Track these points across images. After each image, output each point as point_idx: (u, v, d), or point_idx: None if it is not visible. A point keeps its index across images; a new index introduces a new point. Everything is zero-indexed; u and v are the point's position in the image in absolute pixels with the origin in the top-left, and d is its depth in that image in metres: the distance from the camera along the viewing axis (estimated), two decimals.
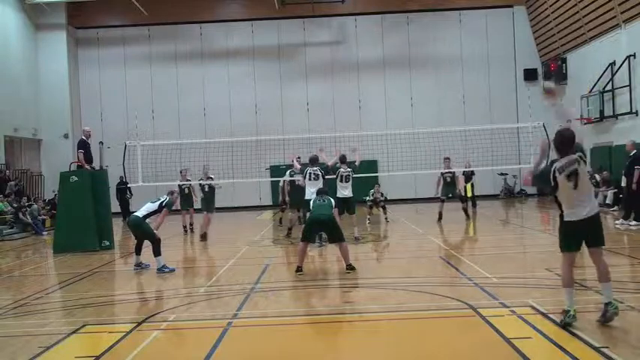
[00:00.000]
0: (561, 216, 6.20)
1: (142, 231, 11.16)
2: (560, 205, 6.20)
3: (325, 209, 10.20)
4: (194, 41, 28.99)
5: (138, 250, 11.35)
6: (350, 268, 9.93)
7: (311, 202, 10.68)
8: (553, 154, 6.26)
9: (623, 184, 15.45)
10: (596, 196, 20.63)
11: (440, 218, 17.48)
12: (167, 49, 29.00)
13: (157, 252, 10.91)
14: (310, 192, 12.61)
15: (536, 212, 22.52)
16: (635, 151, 14.75)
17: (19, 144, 26.41)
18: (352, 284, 9.19)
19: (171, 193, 11.61)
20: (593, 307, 6.98)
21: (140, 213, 11.18)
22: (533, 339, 5.95)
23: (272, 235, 16.73)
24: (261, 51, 28.82)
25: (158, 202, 11.30)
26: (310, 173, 13.13)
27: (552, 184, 6.04)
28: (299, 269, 9.87)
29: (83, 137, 15.39)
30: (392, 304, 7.87)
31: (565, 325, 6.07)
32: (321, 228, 10.41)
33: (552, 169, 6.03)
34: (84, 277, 10.82)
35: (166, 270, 10.74)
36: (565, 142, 6.00)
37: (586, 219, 6.02)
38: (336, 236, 10.10)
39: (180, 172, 17.99)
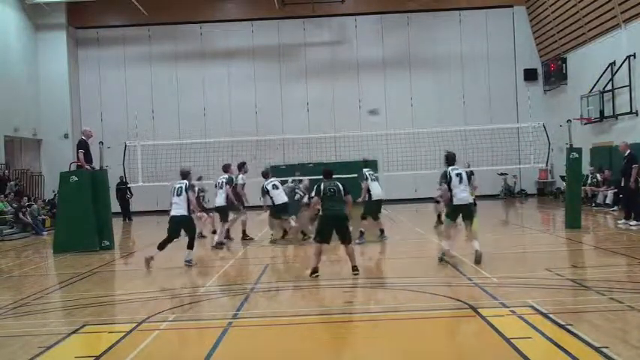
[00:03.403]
0: (451, 200, 10.34)
1: (193, 227, 11.60)
2: (451, 194, 10.32)
3: (339, 205, 9.67)
4: (194, 41, 28.98)
5: (162, 247, 11.47)
6: (355, 268, 9.62)
7: (321, 187, 9.78)
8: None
9: (622, 184, 15.46)
10: (596, 195, 20.82)
11: None
12: (167, 49, 29.00)
13: (191, 245, 11.36)
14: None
15: (536, 212, 22.52)
16: (629, 150, 14.90)
17: (19, 144, 26.41)
18: (352, 284, 9.18)
19: (187, 173, 11.66)
20: (592, 307, 7.00)
21: (184, 210, 11.26)
22: (533, 339, 5.96)
23: (272, 236, 16.69)
24: (261, 51, 28.81)
25: (184, 190, 11.31)
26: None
27: (447, 178, 10.36)
28: (315, 271, 9.48)
29: (83, 137, 15.38)
30: (392, 304, 7.87)
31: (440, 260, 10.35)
32: (336, 225, 9.66)
33: (447, 171, 10.40)
34: (84, 277, 10.82)
35: (191, 264, 11.27)
36: (451, 157, 10.68)
37: (464, 204, 10.32)
38: (347, 236, 9.69)
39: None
